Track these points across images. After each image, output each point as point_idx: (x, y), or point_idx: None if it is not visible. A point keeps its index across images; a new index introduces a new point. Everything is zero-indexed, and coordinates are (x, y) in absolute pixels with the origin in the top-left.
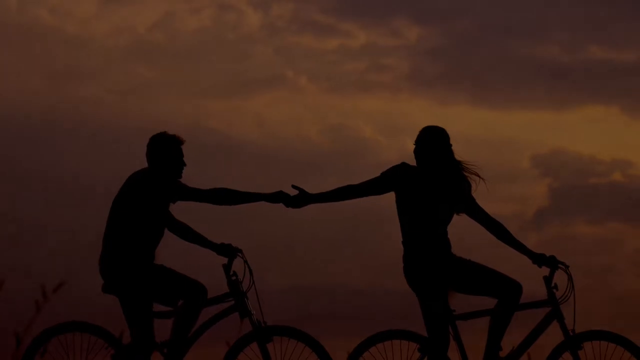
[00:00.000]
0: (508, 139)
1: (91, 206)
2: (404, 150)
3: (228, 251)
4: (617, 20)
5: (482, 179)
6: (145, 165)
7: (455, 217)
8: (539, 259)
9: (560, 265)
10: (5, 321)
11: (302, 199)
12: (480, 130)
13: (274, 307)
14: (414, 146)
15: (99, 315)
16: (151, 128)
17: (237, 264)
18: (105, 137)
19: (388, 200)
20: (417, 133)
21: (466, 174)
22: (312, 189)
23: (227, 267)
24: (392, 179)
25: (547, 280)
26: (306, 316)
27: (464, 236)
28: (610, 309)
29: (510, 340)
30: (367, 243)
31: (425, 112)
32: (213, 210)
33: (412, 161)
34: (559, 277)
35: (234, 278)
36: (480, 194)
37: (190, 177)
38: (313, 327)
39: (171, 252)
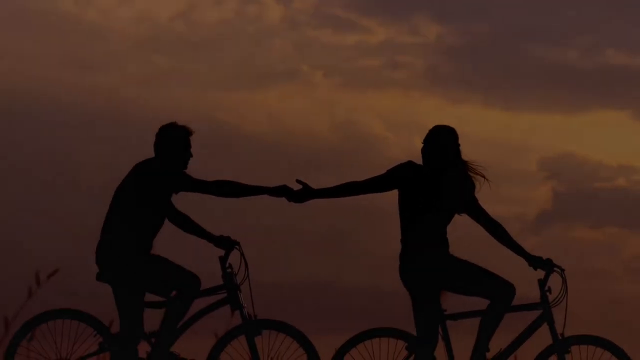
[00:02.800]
0: (517, 141)
1: (103, 195)
2: (412, 148)
3: (226, 243)
4: (631, 26)
5: (487, 179)
6: None
7: (455, 216)
8: (535, 262)
9: (555, 269)
10: None
11: (305, 193)
12: (490, 131)
13: (266, 301)
14: (422, 144)
15: (91, 304)
16: (164, 118)
17: (234, 257)
18: (119, 126)
19: (386, 197)
20: (426, 131)
21: (471, 174)
22: (319, 183)
23: (223, 259)
24: (397, 177)
25: (541, 283)
26: (298, 310)
27: (461, 235)
28: (604, 314)
29: (498, 341)
30: (364, 240)
31: (437, 110)
32: (214, 201)
33: (420, 159)
34: (554, 281)
35: (229, 270)
36: (484, 195)
37: (199, 168)
38: (304, 322)
39: (167, 241)
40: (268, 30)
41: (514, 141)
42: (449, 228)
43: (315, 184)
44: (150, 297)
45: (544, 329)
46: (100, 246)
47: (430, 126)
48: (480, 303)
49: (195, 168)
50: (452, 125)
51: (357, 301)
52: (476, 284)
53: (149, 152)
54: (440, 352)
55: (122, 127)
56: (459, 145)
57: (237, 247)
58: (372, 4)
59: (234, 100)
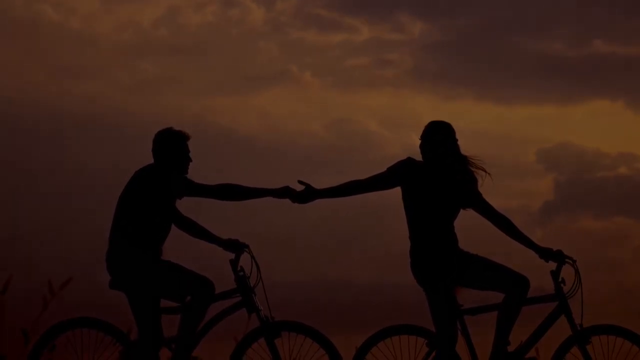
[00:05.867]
0: (513, 134)
1: (97, 202)
2: (408, 145)
3: (235, 247)
4: (621, 15)
5: (488, 173)
6: (151, 161)
7: (461, 211)
8: (546, 254)
9: (567, 260)
10: (14, 317)
11: (308, 194)
12: (485, 125)
13: (281, 303)
14: (420, 141)
15: (106, 312)
16: (156, 124)
17: (245, 260)
18: (110, 133)
19: (394, 194)
20: (421, 128)
21: (472, 168)
22: (317, 183)
23: (234, 263)
24: (398, 174)
25: (554, 274)
26: (313, 311)
27: (470, 231)
28: (617, 303)
29: (518, 334)
30: (374, 238)
31: (429, 107)
32: (219, 205)
33: (417, 156)
34: (566, 272)
35: (241, 274)
36: (486, 189)
37: (196, 172)
38: (320, 322)
39: (178, 247)
40: (252, 33)
41: (510, 134)
42: (459, 223)
43: (314, 184)
44: (166, 303)
45: (563, 320)
46: (109, 254)
47: (425, 122)
48: (497, 297)
49: (193, 172)
50: (446, 120)
51: (375, 299)
52: (490, 278)
53: (146, 159)
54: (461, 347)
55: (115, 134)
56: (456, 140)
57: (246, 249)
58: (353, 3)
59: (225, 103)
